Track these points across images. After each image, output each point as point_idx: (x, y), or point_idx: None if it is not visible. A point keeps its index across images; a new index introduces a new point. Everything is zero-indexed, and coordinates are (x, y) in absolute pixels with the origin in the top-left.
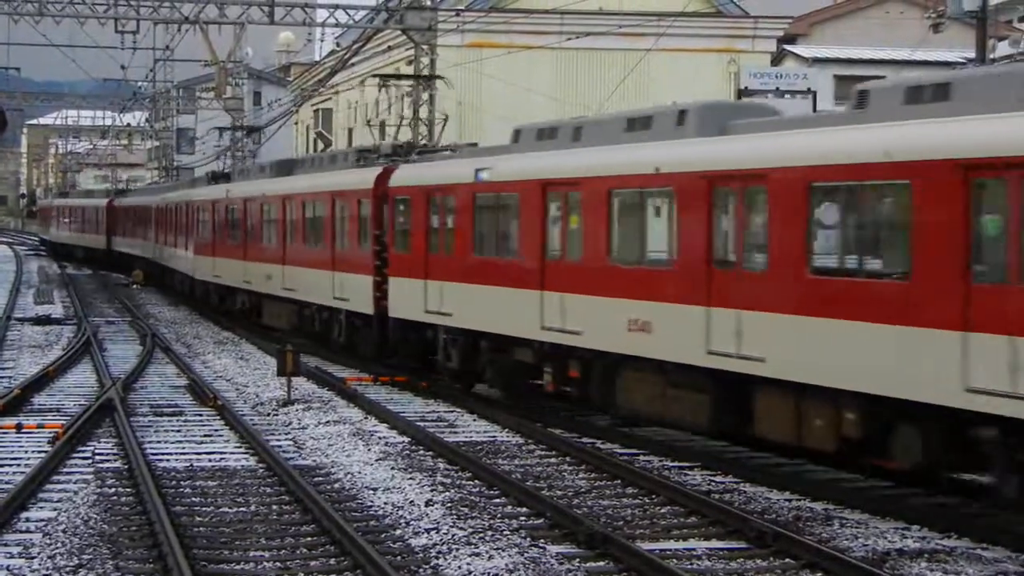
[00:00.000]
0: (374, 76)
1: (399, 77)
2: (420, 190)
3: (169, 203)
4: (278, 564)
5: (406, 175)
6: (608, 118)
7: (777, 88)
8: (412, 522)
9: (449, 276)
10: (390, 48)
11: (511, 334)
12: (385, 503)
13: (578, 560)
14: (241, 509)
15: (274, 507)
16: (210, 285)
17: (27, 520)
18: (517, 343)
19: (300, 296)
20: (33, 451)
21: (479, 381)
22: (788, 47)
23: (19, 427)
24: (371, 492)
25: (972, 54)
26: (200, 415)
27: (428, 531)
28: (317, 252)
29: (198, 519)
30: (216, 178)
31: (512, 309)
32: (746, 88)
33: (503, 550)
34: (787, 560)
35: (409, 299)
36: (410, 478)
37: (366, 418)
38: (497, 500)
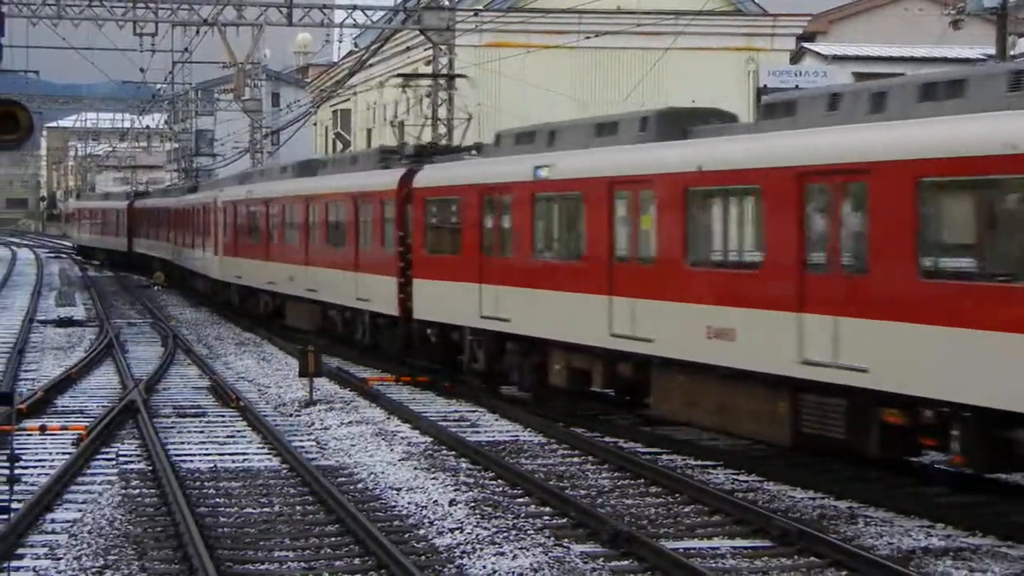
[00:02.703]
0: (397, 75)
1: (422, 76)
2: (468, 189)
3: (189, 204)
4: (302, 564)
5: (439, 175)
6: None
7: (796, 86)
8: (436, 522)
9: (507, 280)
10: (408, 49)
11: (578, 341)
12: (408, 503)
13: (602, 559)
14: (265, 509)
15: (298, 507)
16: (232, 286)
17: (52, 521)
18: (575, 348)
19: (323, 297)
20: (57, 453)
21: (505, 383)
22: (807, 45)
23: (43, 429)
24: (394, 492)
25: (992, 50)
26: (223, 416)
27: (452, 531)
28: (340, 253)
29: (222, 519)
30: (240, 179)
31: (578, 314)
32: (765, 86)
33: (527, 549)
34: (812, 558)
35: (442, 302)
36: (433, 478)
37: (388, 418)
38: (520, 500)
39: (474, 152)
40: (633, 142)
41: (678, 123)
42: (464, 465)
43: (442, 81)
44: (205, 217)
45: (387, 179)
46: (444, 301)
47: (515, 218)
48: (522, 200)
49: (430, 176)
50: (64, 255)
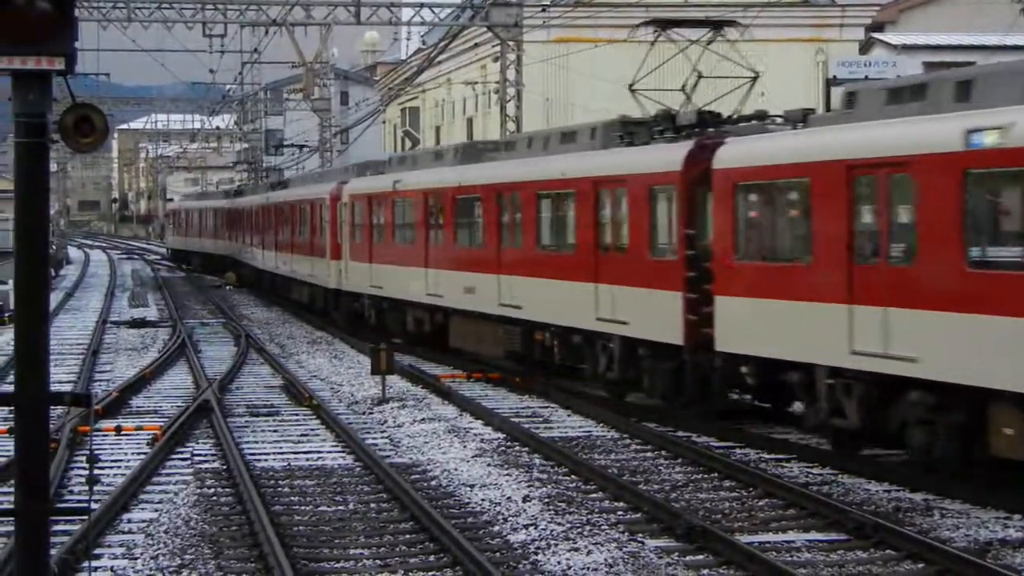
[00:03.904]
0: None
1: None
2: (829, 168)
3: (283, 202)
4: (377, 562)
5: (766, 149)
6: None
7: (866, 77)
8: (510, 518)
9: (908, 299)
10: (476, 45)
11: None
12: (482, 500)
13: (677, 554)
14: (339, 508)
15: (372, 505)
16: (365, 299)
17: (129, 521)
18: None
19: (530, 315)
20: (133, 453)
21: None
22: (876, 35)
23: (118, 429)
24: (468, 489)
25: None
26: (296, 415)
27: (526, 527)
28: (564, 259)
29: (297, 518)
30: (362, 170)
31: None
32: (834, 77)
33: (602, 545)
34: (888, 551)
35: (773, 328)
36: (506, 474)
37: (461, 415)
38: (594, 495)
39: (779, 121)
40: None
41: None
42: (537, 461)
43: (510, 77)
44: (312, 216)
45: (660, 158)
46: (777, 327)
47: (929, 205)
48: (946, 178)
49: (747, 152)
50: (165, 265)
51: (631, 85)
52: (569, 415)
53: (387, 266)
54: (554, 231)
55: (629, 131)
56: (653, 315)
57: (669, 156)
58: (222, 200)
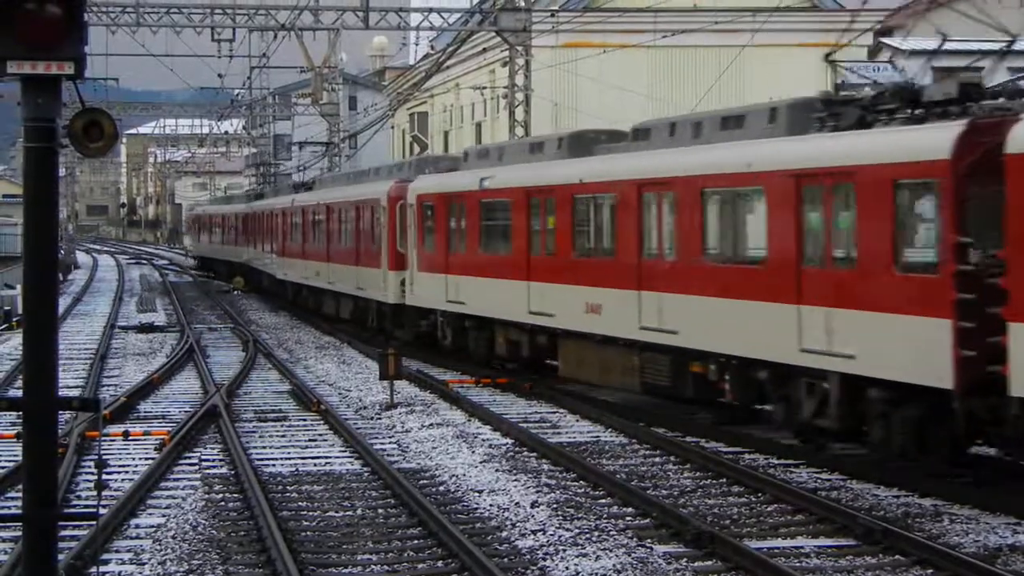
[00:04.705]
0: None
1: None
2: None
3: (325, 204)
4: (385, 567)
5: None
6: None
7: (874, 81)
8: (518, 524)
9: None
10: (485, 50)
11: None
12: (491, 505)
13: (685, 559)
14: (347, 513)
15: (380, 510)
16: (437, 316)
17: (137, 527)
18: None
19: (687, 341)
20: (140, 458)
21: None
22: (885, 40)
23: (126, 434)
24: (476, 494)
25: None
26: (304, 420)
27: (535, 532)
28: (749, 271)
29: (305, 523)
30: (421, 166)
31: None
32: (843, 82)
33: (610, 550)
34: (897, 557)
35: None
36: (515, 480)
37: (469, 420)
38: (603, 500)
39: None
40: None
41: None
42: (546, 466)
43: (518, 82)
44: (359, 220)
45: (914, 143)
46: None
47: None
48: None
49: None
50: (194, 275)
51: (828, 55)
52: (577, 420)
53: (471, 278)
54: (730, 237)
55: (834, 112)
56: (898, 348)
57: (929, 140)
58: (241, 205)
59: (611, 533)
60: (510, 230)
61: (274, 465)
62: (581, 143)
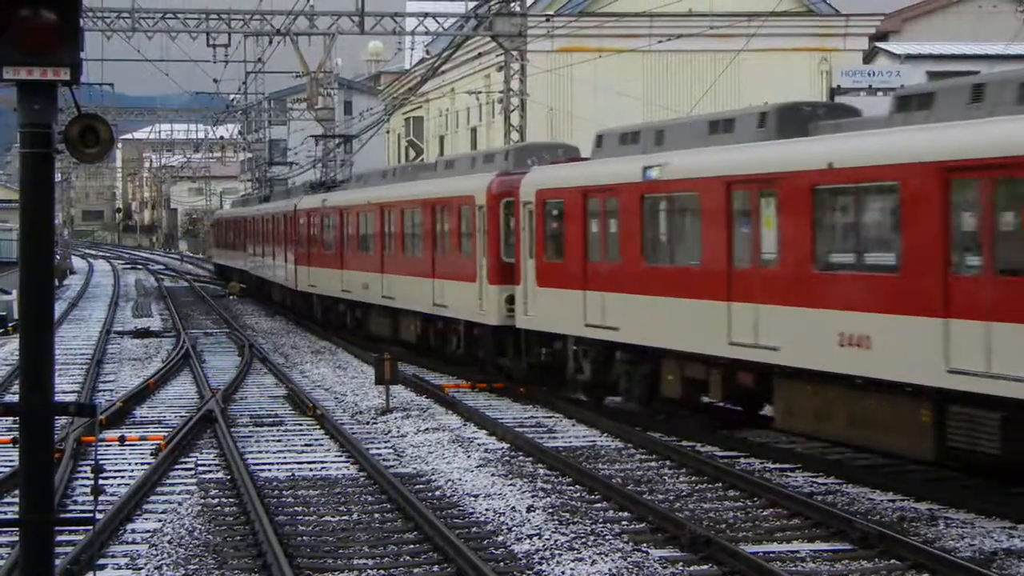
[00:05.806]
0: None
1: None
2: None
3: (378, 204)
4: (381, 572)
5: None
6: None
7: (869, 86)
8: (514, 528)
9: None
10: (480, 55)
11: None
12: (486, 510)
13: (681, 564)
14: (343, 517)
15: (376, 515)
16: (571, 343)
17: (133, 532)
18: None
19: (900, 373)
20: (136, 463)
21: None
22: (880, 44)
23: (122, 439)
24: (472, 499)
25: None
26: (300, 425)
27: (530, 537)
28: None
29: (301, 528)
30: (521, 155)
31: None
32: (838, 87)
33: (606, 555)
34: (892, 561)
35: None
36: (511, 484)
37: (465, 425)
38: (598, 505)
39: None
40: None
41: None
42: (541, 471)
43: (514, 87)
44: (437, 224)
45: None
46: None
47: None
48: None
49: None
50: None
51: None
52: (573, 425)
53: (627, 295)
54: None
55: None
56: None
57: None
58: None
59: (607, 537)
60: (696, 233)
61: (270, 470)
62: (798, 119)
